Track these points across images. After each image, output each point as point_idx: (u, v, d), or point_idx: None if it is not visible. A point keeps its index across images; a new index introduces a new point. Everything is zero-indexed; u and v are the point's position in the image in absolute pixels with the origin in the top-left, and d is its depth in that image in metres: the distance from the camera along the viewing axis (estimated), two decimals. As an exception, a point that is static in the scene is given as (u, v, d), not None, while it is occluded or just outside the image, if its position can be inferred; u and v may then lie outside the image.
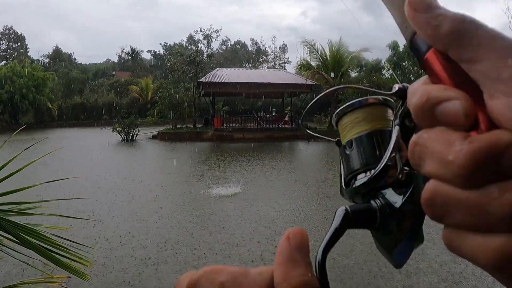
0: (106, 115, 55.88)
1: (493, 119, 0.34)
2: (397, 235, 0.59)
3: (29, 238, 2.61)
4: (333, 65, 37.16)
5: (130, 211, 11.35)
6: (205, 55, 43.18)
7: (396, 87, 0.62)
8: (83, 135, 39.91)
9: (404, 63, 38.11)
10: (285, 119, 38.61)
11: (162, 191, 14.27)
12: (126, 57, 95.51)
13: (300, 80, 37.58)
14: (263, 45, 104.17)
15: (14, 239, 2.63)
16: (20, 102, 49.89)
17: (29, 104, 50.95)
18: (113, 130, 34.01)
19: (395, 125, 0.62)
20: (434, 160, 0.35)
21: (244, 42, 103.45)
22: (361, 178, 0.63)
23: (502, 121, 0.33)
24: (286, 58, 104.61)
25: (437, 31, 0.36)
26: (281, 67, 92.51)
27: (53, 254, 2.68)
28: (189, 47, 44.56)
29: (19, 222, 2.67)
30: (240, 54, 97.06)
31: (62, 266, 2.71)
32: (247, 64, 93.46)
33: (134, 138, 34.61)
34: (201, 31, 42.66)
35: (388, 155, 0.61)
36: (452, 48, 0.36)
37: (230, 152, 25.47)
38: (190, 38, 46.98)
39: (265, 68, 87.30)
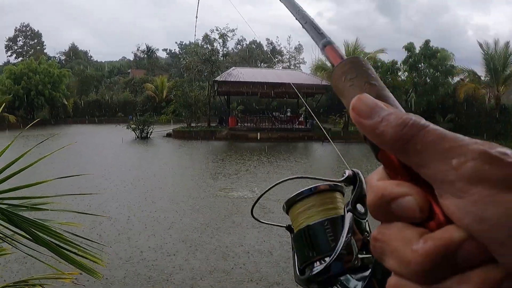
0: (121, 112, 56.04)
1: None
2: None
3: (40, 234, 2.52)
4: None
5: (143, 208, 11.30)
6: (220, 54, 43.12)
7: (346, 173, 0.65)
8: (97, 132, 40.07)
9: (420, 65, 37.67)
10: (300, 119, 38.45)
11: (176, 189, 14.24)
12: (142, 55, 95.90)
13: (316, 80, 37.37)
14: (279, 45, 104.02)
15: (25, 235, 2.54)
16: (36, 98, 50.19)
17: (45, 100, 51.23)
18: (127, 128, 34.05)
19: (347, 211, 0.63)
20: (393, 258, 0.36)
21: (260, 42, 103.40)
22: (317, 266, 0.63)
23: (453, 220, 0.34)
24: (301, 59, 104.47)
25: (382, 138, 0.37)
26: (296, 68, 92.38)
27: (64, 251, 2.59)
28: (205, 46, 44.42)
29: (30, 218, 2.57)
30: (255, 53, 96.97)
31: (74, 263, 2.63)
32: (262, 64, 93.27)
33: (148, 135, 34.65)
34: (217, 30, 42.37)
35: (342, 243, 0.61)
36: (398, 154, 0.37)
37: (244, 151, 25.43)
38: (206, 37, 46.93)
39: (280, 68, 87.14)
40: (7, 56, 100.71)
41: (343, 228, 0.61)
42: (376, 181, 0.40)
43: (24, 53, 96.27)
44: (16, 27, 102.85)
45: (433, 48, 37.27)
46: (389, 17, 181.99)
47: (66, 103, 54.61)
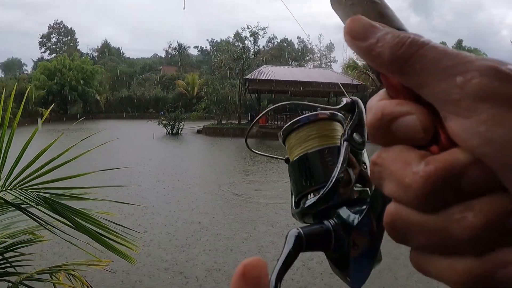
0: (152, 108, 56.67)
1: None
2: (354, 256, 0.55)
3: (81, 222, 2.67)
4: (381, 65, 35.85)
5: (174, 202, 11.52)
6: (251, 52, 43.27)
7: (344, 100, 0.62)
8: (129, 127, 40.76)
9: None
10: (330, 118, 38.25)
11: (205, 187, 14.43)
12: (173, 53, 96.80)
13: (346, 79, 37.27)
14: (310, 43, 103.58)
15: (67, 222, 2.69)
16: (69, 93, 51.31)
17: (78, 96, 52.38)
18: (158, 123, 34.53)
19: (343, 141, 0.60)
20: (392, 182, 0.34)
21: (291, 40, 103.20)
22: (311, 198, 0.61)
23: (458, 142, 0.32)
24: (332, 57, 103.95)
25: (378, 60, 0.35)
26: (327, 66, 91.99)
27: (102, 237, 2.76)
28: (236, 44, 44.69)
29: (72, 206, 2.73)
30: (286, 52, 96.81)
31: (111, 249, 2.79)
32: (293, 62, 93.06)
33: (179, 131, 35.13)
34: (248, 28, 42.55)
35: (337, 173, 0.58)
36: (397, 76, 0.35)
37: (274, 149, 25.45)
38: (237, 35, 47.12)
39: (311, 66, 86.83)
40: (41, 53, 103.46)
41: (338, 158, 0.59)
42: (377, 101, 0.37)
43: (57, 49, 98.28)
44: (49, 24, 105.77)
45: (466, 48, 36.67)
46: (422, 15, 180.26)
47: (98, 98, 55.64)
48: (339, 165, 0.58)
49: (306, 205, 0.61)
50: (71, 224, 2.70)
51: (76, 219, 2.68)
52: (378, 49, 0.35)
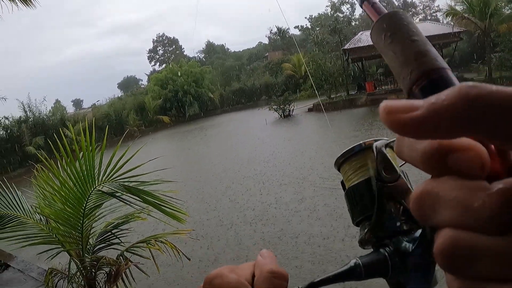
0: (264, 95, 57.93)
1: None
2: (411, 281, 0.57)
3: (147, 198, 3.76)
4: (480, 6, 33.36)
5: (277, 188, 12.83)
6: (345, 23, 42.85)
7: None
8: (243, 117, 42.77)
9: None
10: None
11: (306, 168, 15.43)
12: (276, 37, 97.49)
13: (447, 29, 35.75)
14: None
15: (138, 198, 3.81)
16: (183, 97, 54.34)
17: (192, 98, 55.21)
18: (269, 109, 35.84)
19: (376, 179, 0.60)
20: (453, 208, 0.31)
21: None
22: (364, 227, 0.62)
23: None
24: (436, 7, 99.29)
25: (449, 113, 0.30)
26: (432, 17, 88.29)
27: (161, 206, 3.84)
28: (335, 15, 44.45)
29: (141, 188, 3.84)
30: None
31: (165, 213, 3.86)
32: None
33: (290, 113, 36.07)
34: (333, -1, 42.21)
35: (375, 208, 0.59)
36: (470, 127, 0.31)
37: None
38: (333, 6, 46.95)
39: (417, 20, 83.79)
40: (152, 66, 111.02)
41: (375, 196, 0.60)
42: None
43: (165, 60, 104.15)
44: (153, 39, 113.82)
45: None
46: None
47: (212, 96, 58.11)
48: (376, 200, 0.59)
49: (361, 235, 0.62)
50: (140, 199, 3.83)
51: (143, 195, 3.79)
52: (438, 105, 0.31)
